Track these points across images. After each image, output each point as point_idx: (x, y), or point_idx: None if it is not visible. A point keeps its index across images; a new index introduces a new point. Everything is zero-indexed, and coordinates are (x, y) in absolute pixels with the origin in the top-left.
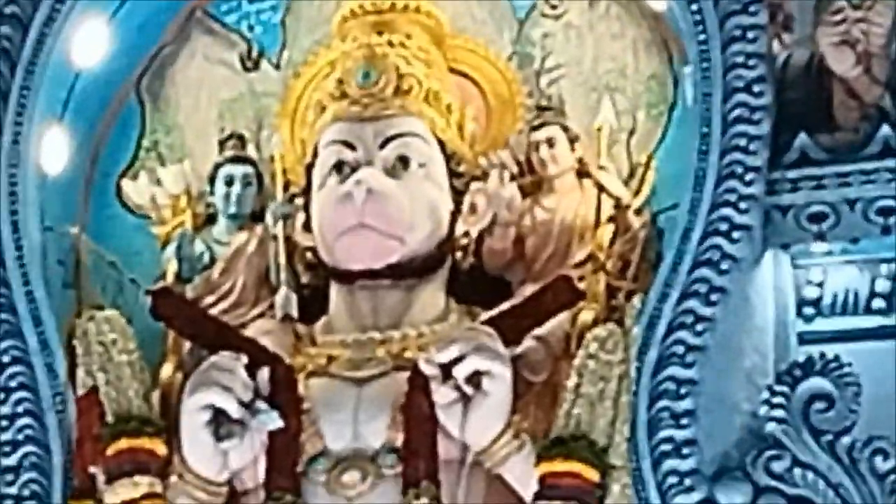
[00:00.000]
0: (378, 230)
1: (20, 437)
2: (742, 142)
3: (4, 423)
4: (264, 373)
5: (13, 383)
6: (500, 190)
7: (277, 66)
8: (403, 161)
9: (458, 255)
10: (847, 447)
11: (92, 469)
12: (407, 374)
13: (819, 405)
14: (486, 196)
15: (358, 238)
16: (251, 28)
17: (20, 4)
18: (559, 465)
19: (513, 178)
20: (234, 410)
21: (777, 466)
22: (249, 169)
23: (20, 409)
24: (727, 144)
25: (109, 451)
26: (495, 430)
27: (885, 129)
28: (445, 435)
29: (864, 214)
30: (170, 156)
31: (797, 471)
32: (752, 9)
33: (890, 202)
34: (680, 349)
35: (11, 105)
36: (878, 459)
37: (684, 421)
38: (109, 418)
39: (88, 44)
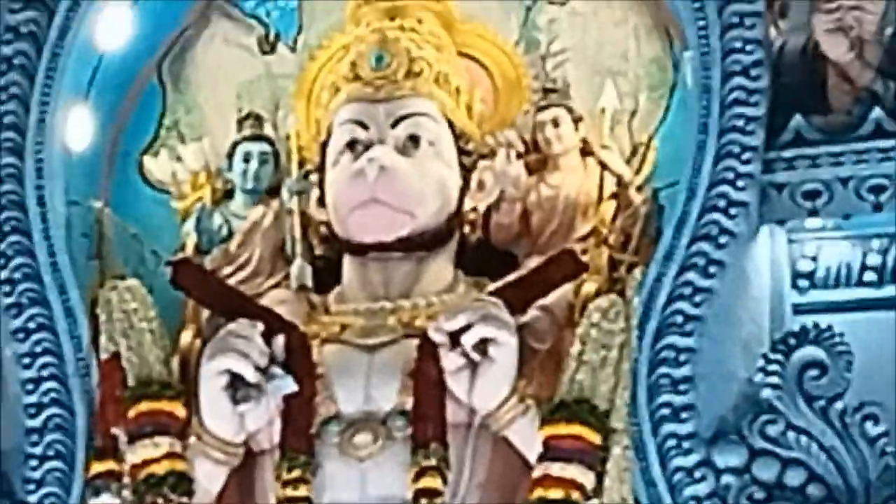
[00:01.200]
0: (389, 205)
1: (45, 399)
2: (739, 123)
3: (30, 386)
4: (280, 340)
5: (38, 349)
6: (506, 167)
7: (293, 49)
8: (414, 140)
9: (467, 229)
10: (839, 412)
11: (114, 430)
12: (416, 341)
13: (812, 372)
14: (493, 173)
15: (370, 212)
16: (268, 13)
17: None
18: (562, 429)
19: (519, 156)
20: (251, 375)
21: (772, 430)
22: (266, 147)
23: (45, 373)
24: (725, 125)
25: (131, 414)
26: (501, 394)
27: (877, 112)
28: (453, 399)
29: (856, 192)
30: (190, 134)
31: (791, 434)
32: None
33: (881, 180)
34: (679, 319)
35: (38, 85)
36: (869, 424)
37: (683, 387)
38: (131, 382)
39: (112, 27)
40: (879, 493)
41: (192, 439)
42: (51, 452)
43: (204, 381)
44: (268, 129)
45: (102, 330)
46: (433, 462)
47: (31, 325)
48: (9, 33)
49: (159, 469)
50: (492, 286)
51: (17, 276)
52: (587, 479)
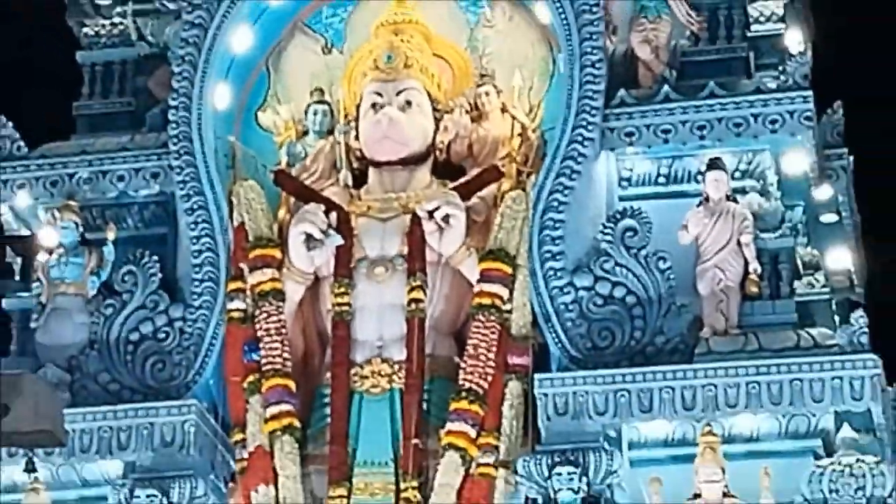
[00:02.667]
0: (394, 140)
1: (202, 247)
2: (589, 94)
3: (194, 240)
4: (333, 214)
5: (199, 220)
6: (459, 119)
7: (341, 52)
8: (409, 103)
9: (437, 153)
10: (644, 256)
11: (241, 265)
12: (410, 216)
13: (630, 233)
14: (452, 122)
15: (384, 144)
16: (327, 31)
17: (202, 16)
18: (490, 265)
19: (466, 112)
20: (317, 234)
21: (606, 266)
22: (326, 107)
23: (203, 233)
24: (581, 95)
25: (250, 255)
26: (457, 245)
27: (666, 88)
28: (430, 248)
29: (654, 133)
30: (283, 99)
31: (618, 268)
32: (595, 21)
33: (668, 126)
34: (555, 203)
35: (199, 71)
36: (661, 262)
37: (557, 241)
38: (251, 238)
39: (240, 39)
40: (666, 300)
41: (285, 270)
42: (206, 277)
43: (291, 237)
44: (327, 97)
45: (234, 209)
46: (419, 283)
47: (195, 206)
48: (182, 42)
49: (266, 287)
50: (451, 185)
51: (186, 178)
52: (504, 293)
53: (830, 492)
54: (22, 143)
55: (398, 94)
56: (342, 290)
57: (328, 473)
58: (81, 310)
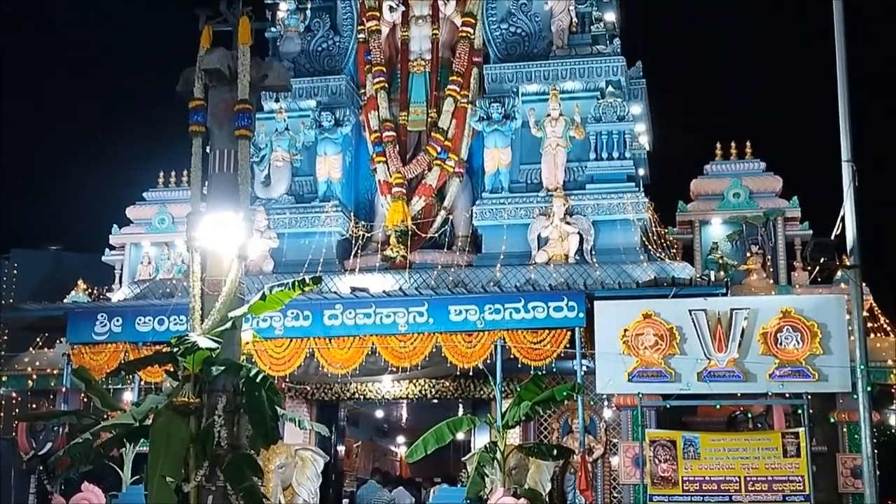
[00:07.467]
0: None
1: (346, 13)
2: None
3: (343, 10)
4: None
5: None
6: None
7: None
8: None
9: None
10: (529, 14)
11: (363, 18)
12: None
13: (525, 5)
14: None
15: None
16: None
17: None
18: (466, 19)
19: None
20: (394, 4)
21: (513, 19)
22: None
23: (347, 9)
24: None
25: (367, 14)
26: (452, 10)
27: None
28: (441, 11)
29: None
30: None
31: (519, 21)
32: None
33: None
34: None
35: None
36: (535, 17)
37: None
38: (367, 7)
39: None
40: (538, 33)
41: (381, 20)
42: (347, 21)
43: (383, 6)
44: None
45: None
46: (437, 26)
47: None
48: None
49: (373, 27)
50: None
51: None
52: (472, 30)
53: (604, 112)
54: None
55: None
56: (405, 28)
57: (399, 106)
58: (297, 38)
